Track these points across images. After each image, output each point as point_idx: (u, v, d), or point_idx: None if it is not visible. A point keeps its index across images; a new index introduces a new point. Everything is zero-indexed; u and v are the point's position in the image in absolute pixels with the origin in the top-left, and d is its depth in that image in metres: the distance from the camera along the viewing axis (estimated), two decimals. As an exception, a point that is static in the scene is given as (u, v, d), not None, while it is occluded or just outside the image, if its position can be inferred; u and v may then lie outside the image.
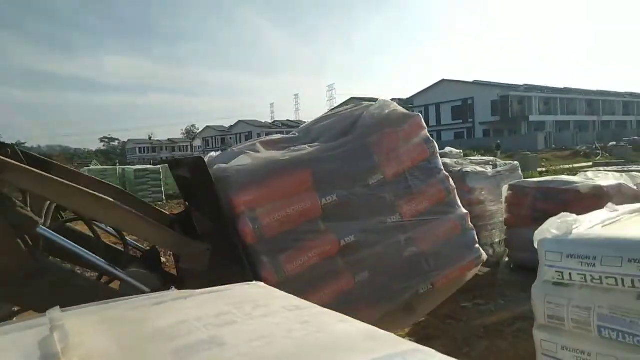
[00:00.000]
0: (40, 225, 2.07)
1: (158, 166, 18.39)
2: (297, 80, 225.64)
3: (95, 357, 0.85)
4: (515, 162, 7.88)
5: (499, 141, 37.83)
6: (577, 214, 2.20)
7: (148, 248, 2.77)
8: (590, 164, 18.11)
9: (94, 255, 2.15)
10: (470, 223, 3.12)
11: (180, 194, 3.40)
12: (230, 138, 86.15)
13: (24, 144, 62.40)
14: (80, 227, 2.62)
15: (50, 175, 2.14)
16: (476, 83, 55.80)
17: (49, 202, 2.43)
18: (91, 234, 2.40)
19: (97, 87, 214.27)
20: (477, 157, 7.87)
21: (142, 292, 2.10)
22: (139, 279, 2.19)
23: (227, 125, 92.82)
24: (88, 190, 2.16)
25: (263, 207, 2.33)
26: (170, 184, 15.58)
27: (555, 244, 1.80)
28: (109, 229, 2.63)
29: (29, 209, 2.14)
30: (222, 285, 2.23)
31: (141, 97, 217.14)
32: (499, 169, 7.02)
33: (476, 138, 46.93)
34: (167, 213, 2.68)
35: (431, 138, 2.96)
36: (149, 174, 16.18)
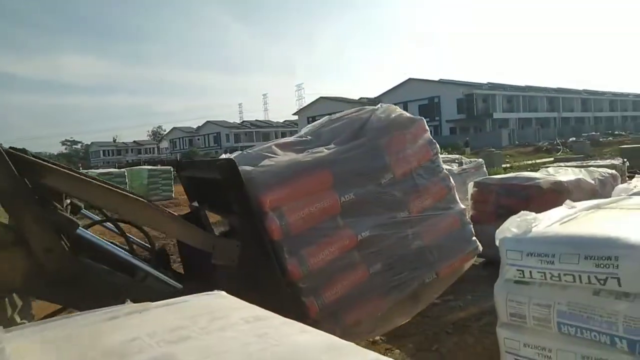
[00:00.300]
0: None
1: (123, 169, 17.92)
2: (266, 80, 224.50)
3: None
4: (480, 160, 8.06)
5: (467, 138, 38.68)
6: (539, 209, 2.25)
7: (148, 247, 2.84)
8: (552, 159, 18.69)
9: (128, 254, 2.34)
10: (467, 218, 3.39)
11: (188, 195, 3.49)
12: (198, 139, 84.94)
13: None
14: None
15: (88, 179, 2.31)
16: (442, 82, 56.88)
17: (66, 202, 2.53)
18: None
19: (58, 88, 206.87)
20: (443, 155, 7.99)
21: (174, 289, 2.31)
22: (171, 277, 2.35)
23: (194, 127, 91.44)
24: (123, 192, 2.36)
25: (288, 205, 2.51)
26: (135, 187, 15.18)
27: (515, 243, 1.83)
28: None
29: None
30: (254, 279, 2.45)
31: (105, 98, 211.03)
32: (464, 166, 7.16)
33: (443, 136, 47.82)
34: (176, 215, 2.75)
35: (433, 140, 3.20)
36: (114, 178, 15.76)
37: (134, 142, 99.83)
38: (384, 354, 3.43)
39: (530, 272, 1.75)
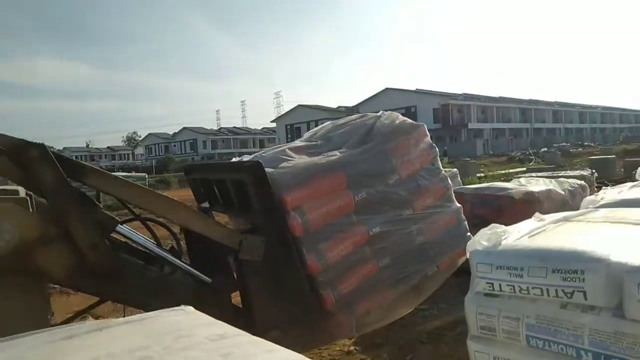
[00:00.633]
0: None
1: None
2: (244, 86, 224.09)
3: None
4: (455, 169, 8.18)
5: (445, 148, 39.20)
6: (512, 219, 2.28)
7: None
8: (524, 169, 19.08)
9: (161, 251, 2.49)
10: (462, 215, 3.62)
11: (196, 196, 3.59)
12: (175, 145, 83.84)
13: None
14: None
15: (125, 179, 2.48)
16: (418, 92, 57.70)
17: None
18: None
19: (29, 92, 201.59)
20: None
21: (203, 282, 2.50)
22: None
23: (170, 133, 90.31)
24: (157, 192, 2.59)
25: (308, 204, 2.70)
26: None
27: (485, 256, 1.84)
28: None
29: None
30: (276, 272, 2.65)
31: (78, 103, 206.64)
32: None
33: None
34: (204, 214, 2.92)
35: (433, 144, 3.46)
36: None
37: (108, 147, 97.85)
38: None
39: (500, 285, 1.76)
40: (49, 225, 2.12)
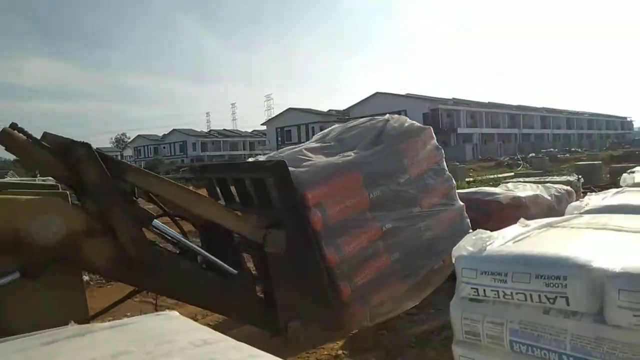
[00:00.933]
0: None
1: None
2: (234, 89, 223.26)
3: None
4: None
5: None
6: (499, 223, 2.30)
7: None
8: (513, 174, 19.23)
9: (192, 244, 2.60)
10: (465, 213, 3.80)
11: (210, 195, 3.66)
12: (164, 147, 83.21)
13: None
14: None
15: (161, 176, 2.63)
16: (408, 96, 57.99)
17: None
18: None
19: (16, 92, 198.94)
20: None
21: (230, 275, 2.63)
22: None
23: (160, 134, 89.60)
24: (190, 189, 2.72)
25: (328, 200, 2.87)
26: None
27: (470, 261, 1.85)
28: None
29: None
30: (300, 263, 2.80)
31: (66, 104, 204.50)
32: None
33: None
34: (231, 210, 3.02)
35: (439, 145, 3.65)
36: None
37: (97, 149, 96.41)
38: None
39: (484, 290, 1.77)
40: (92, 219, 2.24)
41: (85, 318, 2.20)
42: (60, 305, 2.10)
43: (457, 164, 26.84)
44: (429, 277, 3.44)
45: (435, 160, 3.59)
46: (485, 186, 8.68)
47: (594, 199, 3.13)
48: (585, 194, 5.50)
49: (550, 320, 1.62)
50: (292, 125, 67.64)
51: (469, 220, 3.78)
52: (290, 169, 2.80)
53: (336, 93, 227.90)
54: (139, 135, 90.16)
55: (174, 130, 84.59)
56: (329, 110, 70.56)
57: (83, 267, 2.31)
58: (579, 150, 47.39)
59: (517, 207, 4.96)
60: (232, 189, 3.38)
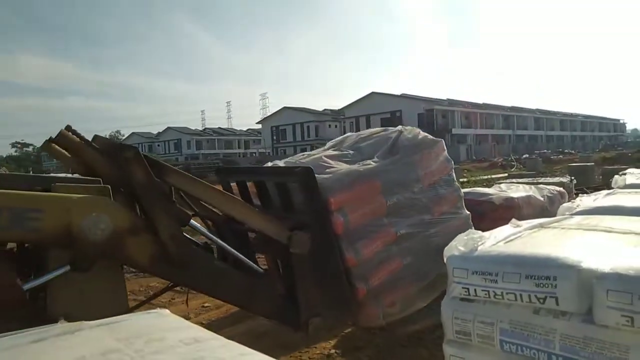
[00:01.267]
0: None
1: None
2: (230, 87, 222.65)
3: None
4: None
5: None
6: (492, 224, 2.31)
7: None
8: (506, 175, 19.33)
9: (223, 244, 2.73)
10: (471, 222, 3.92)
11: None
12: (159, 145, 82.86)
13: None
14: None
15: (197, 179, 2.75)
16: (404, 96, 58.09)
17: None
18: None
19: (10, 88, 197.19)
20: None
21: (257, 272, 2.84)
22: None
23: (154, 132, 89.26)
24: (221, 190, 2.90)
25: (349, 206, 3.05)
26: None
27: (461, 261, 1.86)
28: None
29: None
30: (322, 264, 2.97)
31: (60, 101, 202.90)
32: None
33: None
34: (260, 212, 3.16)
35: (449, 158, 3.84)
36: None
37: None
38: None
39: (475, 290, 1.78)
40: (136, 217, 2.38)
41: (126, 309, 2.34)
42: (104, 296, 2.24)
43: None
44: (436, 281, 3.51)
45: (446, 170, 3.79)
46: (478, 187, 8.71)
47: (585, 200, 3.15)
48: (577, 195, 5.53)
49: (540, 320, 1.64)
50: (287, 124, 67.57)
51: (473, 228, 3.97)
52: (316, 175, 2.98)
53: (331, 92, 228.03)
54: (133, 133, 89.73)
55: (168, 128, 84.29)
56: (324, 109, 70.54)
57: (126, 262, 2.42)
58: (572, 151, 47.67)
59: (510, 207, 4.97)
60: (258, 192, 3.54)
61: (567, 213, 2.80)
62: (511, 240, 1.98)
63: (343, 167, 3.29)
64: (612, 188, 4.04)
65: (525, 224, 2.25)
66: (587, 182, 13.40)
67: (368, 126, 58.21)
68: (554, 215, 2.85)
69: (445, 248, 2.02)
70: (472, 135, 57.76)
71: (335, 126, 65.23)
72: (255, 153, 76.94)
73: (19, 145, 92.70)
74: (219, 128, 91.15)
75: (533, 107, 73.13)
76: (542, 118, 71.07)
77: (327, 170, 3.18)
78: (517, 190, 5.71)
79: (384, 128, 3.94)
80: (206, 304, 4.90)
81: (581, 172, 15.51)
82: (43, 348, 1.05)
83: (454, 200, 3.79)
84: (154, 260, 2.38)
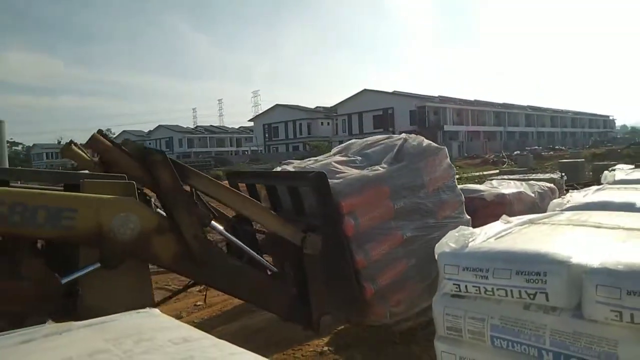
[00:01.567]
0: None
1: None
2: (221, 85, 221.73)
3: None
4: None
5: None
6: (484, 220, 2.32)
7: None
8: (498, 171, 19.45)
9: (242, 244, 2.84)
10: (471, 225, 4.19)
11: None
12: (150, 143, 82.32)
13: None
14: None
15: (218, 182, 2.90)
16: (395, 94, 58.18)
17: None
18: None
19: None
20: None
21: (272, 272, 3.02)
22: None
23: (146, 130, 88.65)
24: (240, 193, 3.10)
25: (359, 209, 3.20)
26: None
27: (452, 257, 1.87)
28: None
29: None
30: (333, 265, 3.10)
31: (50, 99, 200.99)
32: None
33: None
34: (276, 214, 3.30)
35: (452, 165, 4.01)
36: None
37: (81, 144, 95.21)
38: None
39: (466, 286, 1.79)
40: (161, 217, 2.49)
41: (152, 303, 2.43)
42: (132, 290, 2.37)
43: (444, 161, 26.91)
44: (437, 280, 3.69)
45: (449, 176, 3.95)
46: (470, 183, 8.76)
47: (575, 196, 3.18)
48: (568, 191, 5.58)
49: (530, 315, 1.64)
50: (280, 121, 67.43)
51: None
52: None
53: (324, 90, 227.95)
54: (124, 131, 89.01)
55: (159, 126, 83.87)
56: (317, 107, 70.48)
57: (151, 260, 2.53)
58: (563, 148, 48.09)
59: (501, 204, 5.00)
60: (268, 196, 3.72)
61: (557, 209, 2.82)
62: (502, 236, 1.99)
63: (352, 172, 3.44)
64: (602, 184, 4.07)
65: (516, 220, 2.26)
66: (578, 178, 13.53)
67: (360, 124, 58.49)
68: (545, 211, 2.87)
69: (436, 245, 2.03)
70: (464, 132, 58.01)
71: (328, 124, 65.25)
72: (247, 151, 76.82)
73: (7, 144, 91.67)
74: (211, 126, 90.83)
75: (524, 103, 73.58)
76: (533, 115, 71.53)
77: (337, 175, 3.33)
78: (509, 186, 5.74)
79: (387, 135, 4.12)
80: (198, 303, 4.90)
81: (571, 168, 15.65)
82: (30, 349, 1.04)
83: (456, 205, 3.94)
84: (177, 258, 2.50)
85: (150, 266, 2.64)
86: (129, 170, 2.61)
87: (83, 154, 2.95)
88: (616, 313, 1.47)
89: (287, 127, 67.02)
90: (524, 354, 1.64)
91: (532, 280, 1.61)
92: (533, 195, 5.55)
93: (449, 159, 4.00)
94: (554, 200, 3.23)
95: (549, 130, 72.98)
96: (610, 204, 2.73)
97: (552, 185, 6.13)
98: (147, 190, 2.85)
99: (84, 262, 2.25)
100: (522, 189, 5.57)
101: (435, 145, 3.94)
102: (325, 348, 3.74)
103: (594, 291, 1.50)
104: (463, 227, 2.03)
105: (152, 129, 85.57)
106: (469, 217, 4.02)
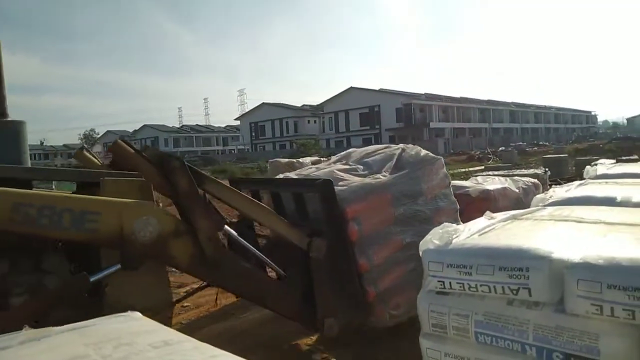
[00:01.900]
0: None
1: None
2: (207, 84, 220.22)
3: None
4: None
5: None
6: (470, 216, 2.33)
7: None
8: (483, 167, 19.62)
9: (252, 247, 2.99)
10: None
11: None
12: (135, 143, 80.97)
13: None
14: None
15: (231, 187, 3.13)
16: (382, 91, 58.33)
17: None
18: None
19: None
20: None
21: (281, 275, 3.13)
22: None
23: (130, 130, 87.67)
24: (252, 199, 3.23)
25: (363, 215, 3.33)
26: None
27: (436, 254, 1.87)
28: None
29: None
30: (337, 268, 3.22)
31: (30, 99, 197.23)
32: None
33: (383, 144, 48.92)
34: (284, 219, 3.41)
35: (448, 174, 4.15)
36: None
37: (64, 145, 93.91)
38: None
39: (450, 283, 1.79)
40: (179, 220, 2.58)
41: (170, 302, 2.70)
42: (152, 289, 2.52)
43: (430, 158, 27.04)
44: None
45: (445, 185, 4.10)
46: (456, 180, 8.83)
47: (557, 192, 3.21)
48: (551, 186, 5.65)
49: (513, 311, 1.66)
50: (266, 120, 67.21)
51: None
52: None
53: (310, 88, 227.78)
54: (108, 131, 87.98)
55: (145, 125, 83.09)
56: (303, 105, 70.37)
57: (167, 262, 2.63)
58: (547, 143, 48.66)
59: (486, 199, 5.04)
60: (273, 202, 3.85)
61: (540, 204, 2.85)
62: (485, 232, 2.00)
63: (356, 179, 3.59)
64: (584, 179, 4.13)
65: (499, 216, 2.28)
66: (561, 173, 13.71)
67: (347, 121, 58.61)
68: (529, 206, 2.90)
69: (421, 242, 2.03)
70: (450, 128, 58.42)
71: (315, 122, 65.21)
72: (234, 150, 76.43)
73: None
74: (197, 125, 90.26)
75: (508, 100, 74.35)
76: (517, 111, 72.36)
77: (341, 182, 3.47)
78: (493, 182, 5.79)
79: (386, 145, 4.34)
80: (186, 304, 4.85)
81: (555, 163, 15.85)
82: (7, 357, 1.01)
83: (451, 212, 4.11)
84: (192, 260, 2.58)
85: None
86: (149, 176, 2.69)
87: (94, 159, 3.09)
88: (597, 307, 1.48)
89: (273, 125, 66.83)
90: (507, 349, 1.65)
91: (514, 276, 1.62)
92: (517, 190, 5.60)
93: (445, 168, 4.17)
94: (538, 196, 3.27)
95: (533, 126, 73.89)
96: (592, 198, 2.76)
97: (536, 180, 6.20)
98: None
99: (106, 264, 2.36)
100: (506, 185, 5.63)
101: (432, 155, 4.11)
102: (315, 346, 3.74)
103: (575, 286, 1.51)
104: (447, 224, 2.04)
105: (137, 129, 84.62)
106: (461, 223, 4.16)
